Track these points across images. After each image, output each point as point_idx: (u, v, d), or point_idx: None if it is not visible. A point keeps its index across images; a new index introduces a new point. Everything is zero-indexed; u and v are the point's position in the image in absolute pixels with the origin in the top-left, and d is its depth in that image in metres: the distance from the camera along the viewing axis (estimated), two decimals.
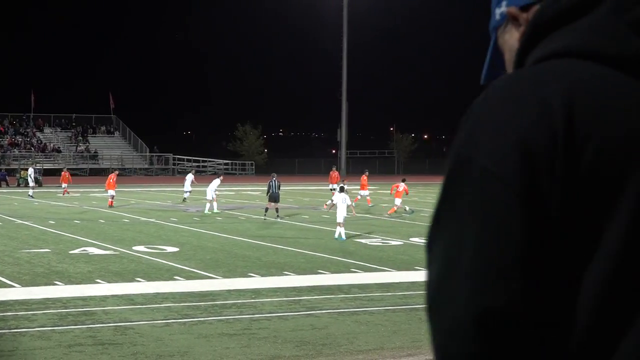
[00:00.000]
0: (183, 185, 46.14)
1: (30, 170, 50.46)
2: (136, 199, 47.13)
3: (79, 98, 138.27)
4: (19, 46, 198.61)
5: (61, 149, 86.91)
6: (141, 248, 24.45)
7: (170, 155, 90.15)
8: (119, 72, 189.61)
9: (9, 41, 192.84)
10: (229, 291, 17.64)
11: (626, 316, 1.36)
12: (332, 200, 30.53)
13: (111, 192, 40.92)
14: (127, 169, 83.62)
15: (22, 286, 18.01)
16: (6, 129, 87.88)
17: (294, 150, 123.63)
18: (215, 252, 23.93)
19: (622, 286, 1.36)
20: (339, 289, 18.20)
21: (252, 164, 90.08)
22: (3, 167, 73.88)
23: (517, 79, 1.43)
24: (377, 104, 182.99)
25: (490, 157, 1.37)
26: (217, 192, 37.84)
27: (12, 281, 18.55)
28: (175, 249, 24.27)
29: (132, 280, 18.88)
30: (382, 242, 26.76)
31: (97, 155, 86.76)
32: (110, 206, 39.81)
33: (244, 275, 19.83)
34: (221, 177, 39.89)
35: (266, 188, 35.58)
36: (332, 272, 20.51)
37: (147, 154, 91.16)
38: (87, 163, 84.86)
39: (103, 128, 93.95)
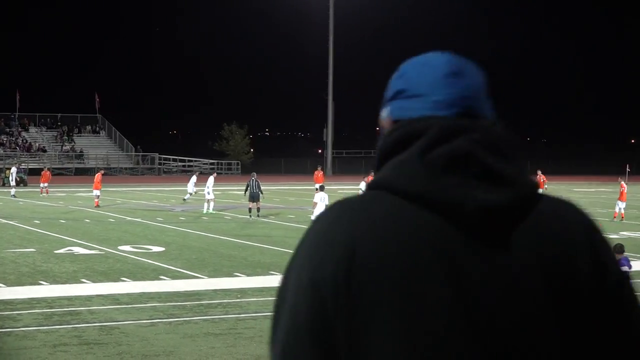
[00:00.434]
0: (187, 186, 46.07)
1: (13, 170, 50.19)
2: (122, 198, 47.02)
3: (64, 97, 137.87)
4: (4, 45, 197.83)
5: (46, 148, 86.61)
6: (127, 248, 24.40)
7: (156, 155, 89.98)
8: (105, 71, 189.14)
9: None
10: (214, 291, 17.62)
11: None
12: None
13: (96, 192, 40.77)
14: (113, 168, 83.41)
15: (7, 286, 17.94)
16: None
17: (280, 150, 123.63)
18: (201, 251, 23.90)
19: None
20: None
21: (238, 164, 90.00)
22: None
23: (328, 216, 1.71)
24: (363, 104, 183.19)
25: (294, 295, 1.65)
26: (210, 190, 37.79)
27: None
28: (161, 249, 24.23)
29: (117, 280, 18.84)
30: None
31: (83, 154, 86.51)
32: (97, 206, 39.70)
33: (230, 275, 19.82)
34: (214, 175, 39.83)
35: (244, 187, 35.90)
36: None
37: (133, 153, 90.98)
38: (72, 163, 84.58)
39: (89, 127, 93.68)
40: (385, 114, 1.85)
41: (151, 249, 24.10)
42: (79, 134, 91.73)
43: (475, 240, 1.64)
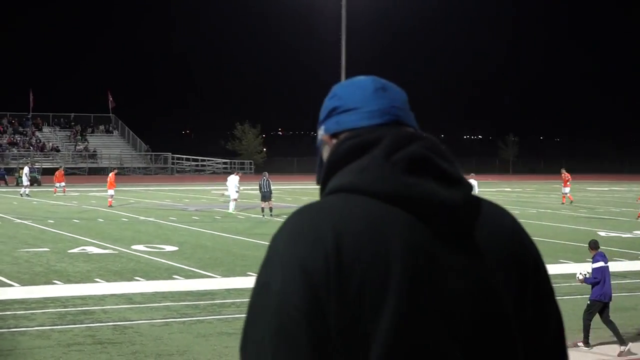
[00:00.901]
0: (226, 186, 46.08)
1: (26, 169, 50.35)
2: (135, 198, 47.12)
3: (77, 97, 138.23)
4: (17, 45, 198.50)
5: (60, 148, 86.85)
6: (140, 247, 24.45)
7: (169, 155, 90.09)
8: (118, 71, 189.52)
9: (7, 40, 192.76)
10: (228, 290, 17.65)
11: None
12: None
13: (110, 191, 40.86)
14: (126, 168, 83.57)
15: (21, 285, 18.02)
16: (5, 128, 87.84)
17: (293, 149, 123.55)
18: (214, 251, 23.93)
19: None
20: None
21: (251, 163, 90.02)
22: (2, 166, 73.81)
23: (303, 214, 1.84)
24: None
25: (281, 282, 1.76)
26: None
27: (11, 280, 18.56)
28: (174, 248, 24.27)
29: (131, 279, 18.89)
30: None
31: (96, 154, 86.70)
32: (110, 206, 39.80)
33: (243, 274, 19.83)
34: (239, 174, 39.71)
35: (257, 187, 36.03)
36: None
37: (146, 153, 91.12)
38: (86, 162, 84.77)
39: (102, 127, 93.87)
40: (321, 132, 2.05)
41: (164, 249, 24.15)
42: (92, 134, 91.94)
43: (442, 234, 1.84)
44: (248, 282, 18.82)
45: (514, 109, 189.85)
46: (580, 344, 13.66)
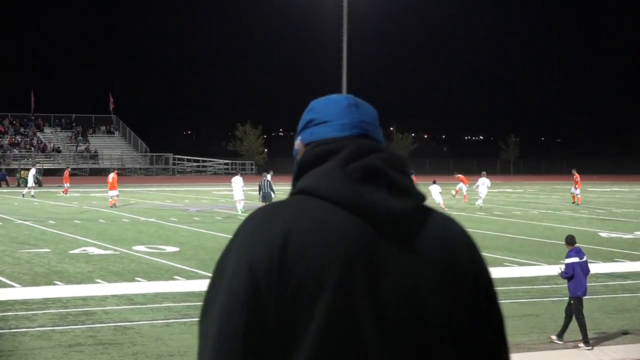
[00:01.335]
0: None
1: (33, 170, 50.40)
2: (136, 198, 47.12)
3: (79, 98, 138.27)
4: (19, 46, 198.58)
5: (61, 149, 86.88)
6: (141, 248, 24.45)
7: (170, 155, 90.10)
8: (119, 72, 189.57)
9: (9, 41, 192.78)
10: None
11: None
12: None
13: (112, 192, 40.85)
14: (127, 168, 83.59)
15: (22, 286, 18.01)
16: (6, 129, 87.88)
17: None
18: (215, 252, 23.89)
19: None
20: None
21: (252, 164, 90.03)
22: (3, 167, 73.83)
23: (262, 213, 2.06)
24: (376, 104, 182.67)
25: (232, 273, 1.98)
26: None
27: (12, 281, 18.56)
28: (175, 249, 24.27)
29: (132, 280, 18.88)
30: None
31: (97, 155, 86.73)
32: (112, 206, 39.81)
33: None
34: (239, 176, 39.76)
35: (257, 188, 36.03)
36: None
37: (147, 153, 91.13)
38: (87, 163, 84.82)
39: (103, 128, 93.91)
40: (297, 141, 2.26)
41: (165, 249, 24.14)
42: (93, 135, 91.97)
43: (385, 240, 2.00)
44: None
45: (515, 110, 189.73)
46: (581, 344, 13.66)
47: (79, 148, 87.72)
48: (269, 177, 36.02)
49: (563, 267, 14.34)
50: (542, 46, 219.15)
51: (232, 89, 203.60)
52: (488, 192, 44.18)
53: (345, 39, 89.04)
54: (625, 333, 14.01)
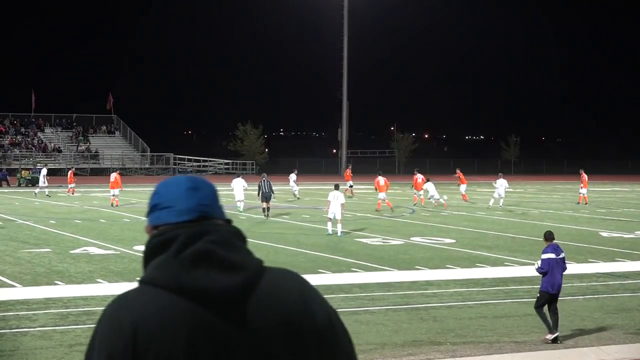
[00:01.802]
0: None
1: (44, 170, 50.44)
2: (137, 198, 47.12)
3: (79, 98, 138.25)
4: (19, 46, 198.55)
5: (62, 148, 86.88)
6: (142, 248, 24.28)
7: (171, 155, 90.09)
8: (120, 72, 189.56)
9: (9, 41, 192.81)
10: None
11: None
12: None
13: (114, 191, 40.88)
14: (128, 168, 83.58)
15: (23, 286, 18.02)
16: (7, 129, 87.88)
17: (295, 149, 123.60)
18: None
19: None
20: (339, 288, 18.21)
21: (253, 164, 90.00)
22: (4, 167, 73.84)
23: (113, 306, 2.32)
24: (377, 104, 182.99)
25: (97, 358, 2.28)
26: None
27: (13, 281, 18.57)
28: None
29: (133, 279, 18.86)
30: (383, 242, 26.75)
31: (98, 155, 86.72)
32: (116, 205, 39.84)
33: None
34: (240, 176, 40.19)
35: (257, 189, 36.27)
36: (333, 272, 20.51)
37: (148, 153, 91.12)
38: (87, 163, 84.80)
39: (104, 128, 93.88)
40: (147, 222, 2.50)
41: None
42: (94, 134, 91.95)
43: (225, 317, 2.26)
44: None
45: (516, 110, 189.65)
46: (548, 335, 13.73)
47: (79, 148, 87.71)
48: (265, 177, 36.29)
49: (540, 262, 14.40)
50: (544, 46, 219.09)
51: (232, 89, 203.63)
52: (490, 192, 44.18)
53: (345, 38, 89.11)
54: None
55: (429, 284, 19.12)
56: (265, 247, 25.01)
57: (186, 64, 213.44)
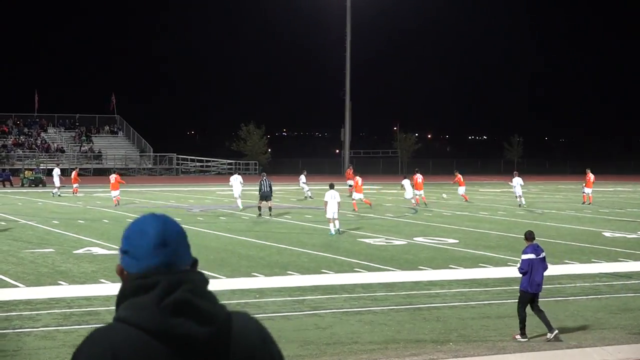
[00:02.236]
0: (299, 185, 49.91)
1: (57, 170, 50.46)
2: (140, 198, 47.14)
3: (82, 98, 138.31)
4: (22, 47, 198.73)
5: (65, 149, 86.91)
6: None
7: (174, 155, 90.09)
8: (123, 72, 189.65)
9: (13, 42, 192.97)
10: (232, 291, 17.65)
11: None
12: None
13: (115, 192, 40.90)
14: (131, 168, 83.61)
15: (26, 286, 18.04)
16: (10, 129, 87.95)
17: (298, 150, 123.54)
18: (219, 251, 23.93)
19: None
20: (342, 288, 18.21)
21: (255, 164, 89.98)
22: (7, 167, 73.88)
23: (91, 342, 2.48)
24: (380, 104, 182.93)
25: None
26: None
27: (16, 281, 18.58)
28: None
29: None
30: (386, 242, 26.75)
31: (101, 155, 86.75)
32: (116, 204, 39.90)
33: (248, 274, 19.85)
34: (237, 173, 40.83)
35: (257, 187, 36.46)
36: (336, 272, 20.51)
37: (151, 153, 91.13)
38: (91, 163, 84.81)
39: (107, 128, 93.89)
40: (119, 261, 2.64)
41: None
42: (97, 135, 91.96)
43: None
44: (253, 282, 18.84)
45: (519, 110, 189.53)
46: (518, 336, 13.79)
47: (82, 148, 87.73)
48: (265, 176, 36.55)
49: (520, 262, 14.43)
50: (547, 46, 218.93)
51: (235, 89, 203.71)
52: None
53: (348, 38, 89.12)
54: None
55: (432, 284, 19.12)
56: (269, 247, 25.03)
57: (189, 64, 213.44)
